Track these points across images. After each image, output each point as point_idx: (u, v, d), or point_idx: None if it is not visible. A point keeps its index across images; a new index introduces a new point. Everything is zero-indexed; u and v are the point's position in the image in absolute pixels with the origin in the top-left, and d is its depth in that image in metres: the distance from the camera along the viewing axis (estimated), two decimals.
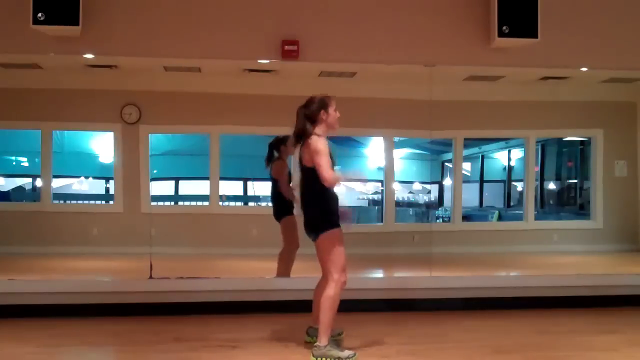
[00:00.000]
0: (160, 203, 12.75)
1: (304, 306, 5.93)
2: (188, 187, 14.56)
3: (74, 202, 12.95)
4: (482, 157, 15.08)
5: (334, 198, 4.56)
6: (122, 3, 6.16)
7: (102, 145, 13.27)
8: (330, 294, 4.42)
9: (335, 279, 4.45)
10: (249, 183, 15.24)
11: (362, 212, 12.84)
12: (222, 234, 9.66)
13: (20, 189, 14.28)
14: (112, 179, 10.92)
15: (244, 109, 9.75)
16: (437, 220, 12.89)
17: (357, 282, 5.56)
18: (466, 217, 11.78)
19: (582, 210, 12.18)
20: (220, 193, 10.42)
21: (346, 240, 4.56)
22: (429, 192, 14.73)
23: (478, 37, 6.46)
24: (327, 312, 4.41)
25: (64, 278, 6.94)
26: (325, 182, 4.38)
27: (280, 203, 6.81)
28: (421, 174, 15.46)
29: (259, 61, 7.38)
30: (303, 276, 6.74)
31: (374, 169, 13.19)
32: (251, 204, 14.86)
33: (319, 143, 4.46)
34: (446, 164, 14.97)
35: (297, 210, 6.81)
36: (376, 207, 12.76)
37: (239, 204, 14.04)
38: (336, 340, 4.66)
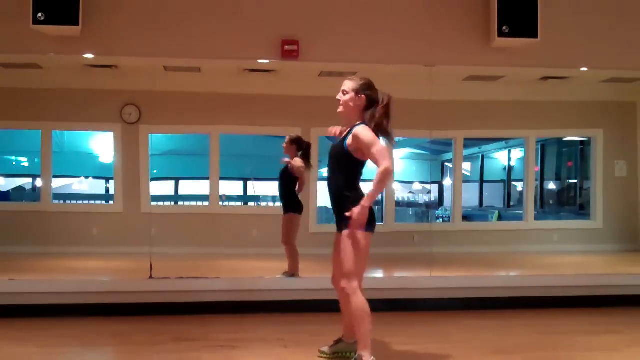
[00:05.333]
0: (160, 203, 12.75)
1: (304, 306, 5.96)
2: (188, 187, 14.57)
3: (74, 202, 12.94)
4: (482, 157, 15.09)
5: None
6: (122, 3, 6.16)
7: (102, 145, 13.27)
8: None
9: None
10: (249, 183, 15.24)
11: None
12: (222, 234, 9.66)
13: (20, 189, 14.28)
14: (112, 179, 10.91)
15: (244, 109, 9.75)
16: (437, 220, 12.90)
17: None
18: (466, 217, 11.78)
19: (582, 210, 12.17)
20: (220, 193, 10.43)
21: None
22: (429, 192, 14.74)
23: (478, 37, 6.46)
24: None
25: (64, 278, 6.93)
26: None
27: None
28: (421, 174, 15.48)
29: (259, 61, 7.39)
30: (303, 277, 6.76)
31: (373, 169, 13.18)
32: (251, 204, 14.87)
33: None
34: (446, 164, 14.97)
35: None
36: (376, 207, 12.73)
37: (239, 204, 14.05)
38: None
